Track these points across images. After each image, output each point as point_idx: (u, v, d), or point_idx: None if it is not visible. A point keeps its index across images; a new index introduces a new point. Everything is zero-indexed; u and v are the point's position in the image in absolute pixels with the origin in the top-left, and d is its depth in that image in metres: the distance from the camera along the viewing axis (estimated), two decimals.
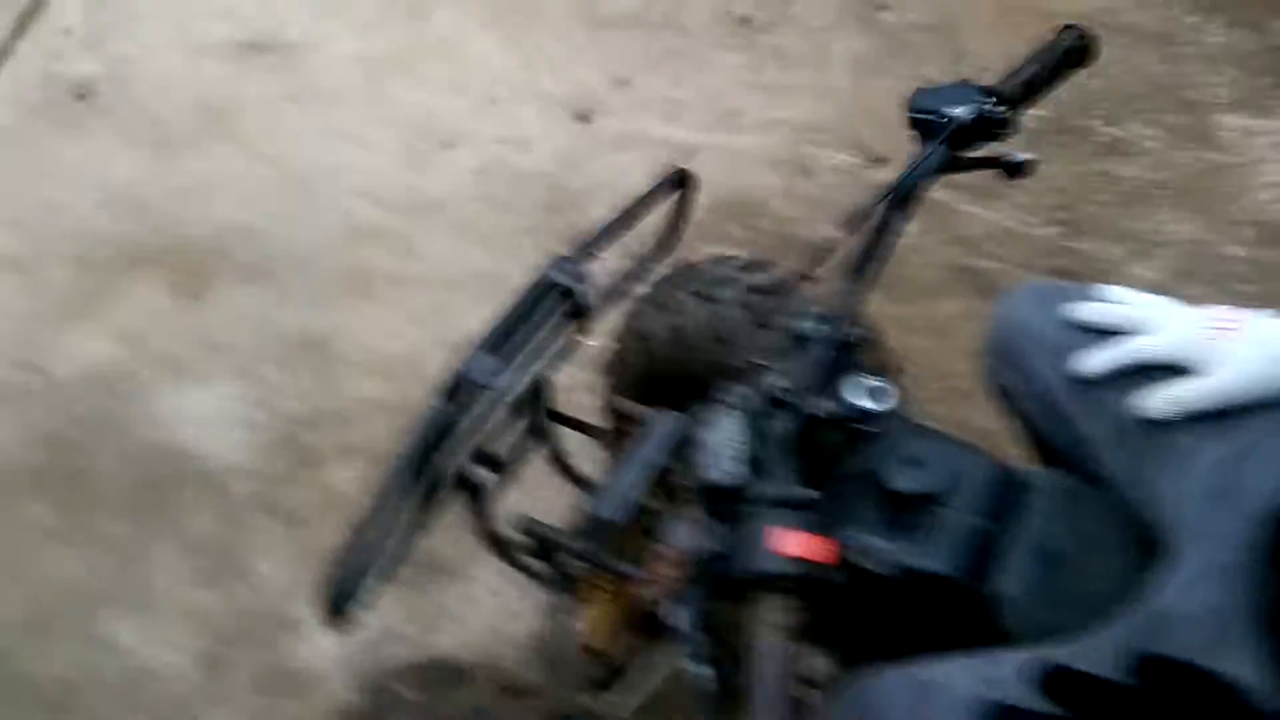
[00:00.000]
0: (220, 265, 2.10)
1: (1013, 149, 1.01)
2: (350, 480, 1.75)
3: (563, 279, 1.04)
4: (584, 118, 2.36)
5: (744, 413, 0.85)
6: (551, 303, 1.07)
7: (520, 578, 1.55)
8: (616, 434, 1.42)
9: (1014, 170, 0.95)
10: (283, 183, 2.26)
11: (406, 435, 0.96)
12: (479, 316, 1.91)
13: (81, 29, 2.60)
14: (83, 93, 2.44)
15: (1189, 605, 0.74)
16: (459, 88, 2.44)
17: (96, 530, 1.68)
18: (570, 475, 1.38)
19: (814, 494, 0.79)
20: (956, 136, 0.95)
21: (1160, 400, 0.85)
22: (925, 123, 0.97)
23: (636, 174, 0.99)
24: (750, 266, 1.40)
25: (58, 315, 2.00)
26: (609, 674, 1.21)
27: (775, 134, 2.27)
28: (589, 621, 1.23)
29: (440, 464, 1.05)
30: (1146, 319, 0.88)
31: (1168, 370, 0.86)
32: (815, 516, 0.77)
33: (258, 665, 1.53)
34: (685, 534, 0.85)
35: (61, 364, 1.92)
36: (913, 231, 2.03)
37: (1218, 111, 2.23)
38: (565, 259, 1.05)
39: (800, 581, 0.74)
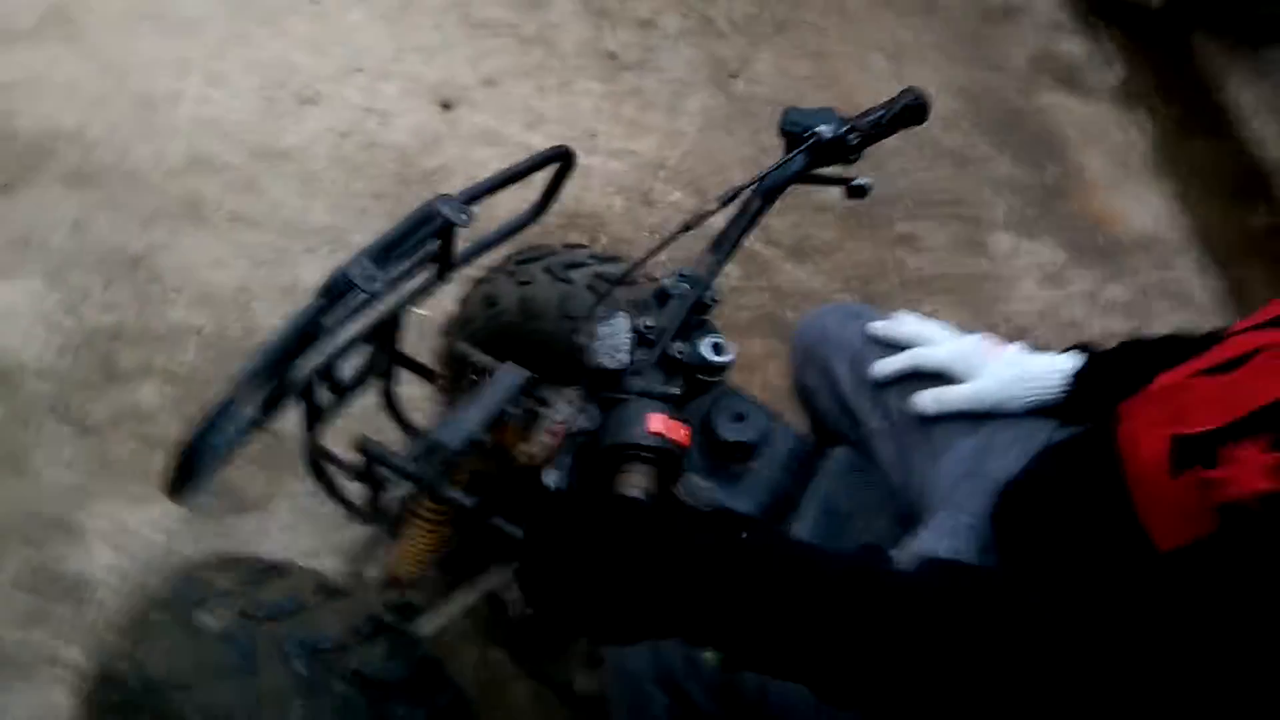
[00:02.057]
0: (42, 162, 2.01)
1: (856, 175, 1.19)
2: (151, 399, 1.71)
3: (449, 213, 1.11)
4: (446, 105, 2.44)
5: (630, 319, 0.96)
6: (426, 236, 1.13)
7: (318, 511, 1.59)
8: (453, 382, 1.50)
9: (856, 191, 1.12)
10: (123, 97, 2.19)
11: (277, 327, 1.00)
12: (313, 267, 1.96)
13: None
14: None
15: (936, 549, 0.92)
16: (324, 50, 2.46)
17: None
18: (398, 415, 1.44)
19: (677, 391, 0.92)
20: (816, 150, 1.12)
21: (929, 399, 1.05)
22: (793, 134, 1.13)
23: (490, 169, 1.09)
24: (600, 257, 1.53)
25: None
26: (410, 606, 1.25)
27: (624, 162, 2.44)
28: (399, 552, 1.28)
29: (300, 364, 1.09)
30: (929, 336, 1.09)
31: (938, 380, 1.06)
32: (675, 409, 0.89)
33: (30, 564, 1.46)
34: (566, 410, 0.95)
35: None
36: (735, 276, 2.28)
37: (993, 228, 2.60)
38: (448, 199, 1.12)
39: (660, 454, 0.86)
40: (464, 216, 1.12)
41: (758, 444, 1.04)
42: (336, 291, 1.06)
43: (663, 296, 1.05)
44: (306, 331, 1.05)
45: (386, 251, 1.08)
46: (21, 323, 1.74)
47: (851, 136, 1.09)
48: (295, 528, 1.63)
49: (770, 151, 1.20)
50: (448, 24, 2.63)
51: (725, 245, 1.11)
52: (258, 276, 1.95)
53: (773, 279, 2.29)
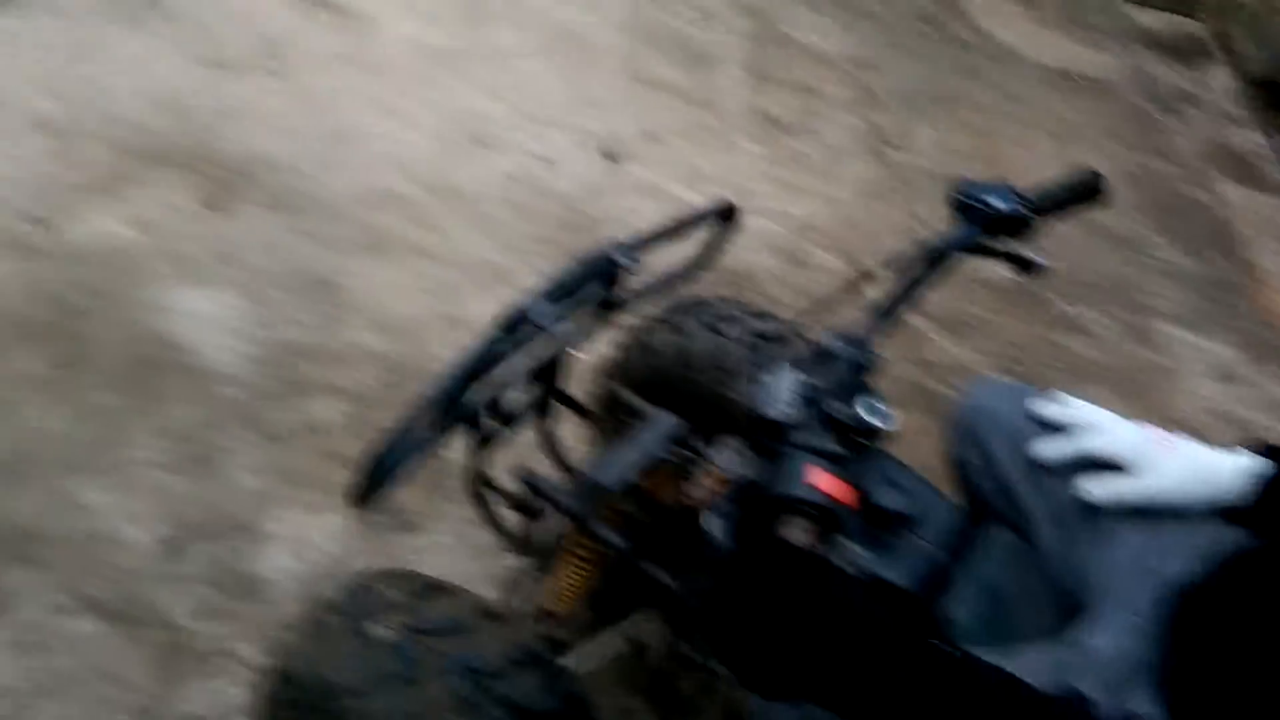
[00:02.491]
0: (246, 187, 2.19)
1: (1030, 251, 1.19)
2: (331, 415, 1.83)
3: (620, 258, 1.16)
4: (612, 157, 2.54)
5: (797, 372, 1.00)
6: (598, 284, 1.20)
7: (476, 537, 1.67)
8: (607, 424, 1.56)
9: (1028, 267, 1.13)
10: (321, 130, 2.37)
11: (459, 356, 1.07)
12: (479, 300, 2.07)
13: None
14: None
15: (1105, 648, 0.92)
16: (502, 97, 2.61)
17: (83, 395, 1.72)
18: (555, 451, 1.51)
19: (844, 451, 0.95)
20: (988, 222, 1.14)
21: (1102, 490, 1.04)
22: (966, 206, 1.15)
23: (648, 220, 1.15)
24: (757, 314, 1.57)
25: (81, 187, 2.05)
26: (561, 641, 1.30)
27: (778, 223, 2.49)
28: (552, 586, 1.33)
29: (476, 391, 1.16)
30: (1096, 422, 1.08)
31: (1105, 467, 1.05)
32: (839, 466, 0.92)
33: (214, 560, 1.58)
34: (730, 458, 0.99)
35: (76, 230, 1.97)
36: (883, 345, 2.27)
37: (1159, 318, 2.53)
38: (622, 245, 1.17)
39: (822, 511, 0.89)
40: (634, 262, 1.18)
41: (915, 515, 1.06)
42: (513, 326, 1.12)
43: (822, 355, 1.08)
44: (483, 362, 1.12)
45: (559, 290, 1.15)
46: (219, 331, 1.89)
47: (1026, 211, 1.11)
48: (454, 550, 1.71)
49: (926, 223, 1.23)
50: (618, 81, 2.76)
51: (887, 309, 1.14)
52: (430, 306, 2.07)
53: (924, 352, 2.29)
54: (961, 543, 1.09)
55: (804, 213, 2.54)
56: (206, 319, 1.90)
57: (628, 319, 1.40)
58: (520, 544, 1.42)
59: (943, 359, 2.29)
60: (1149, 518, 1.01)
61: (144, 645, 1.46)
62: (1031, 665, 0.91)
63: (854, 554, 1.05)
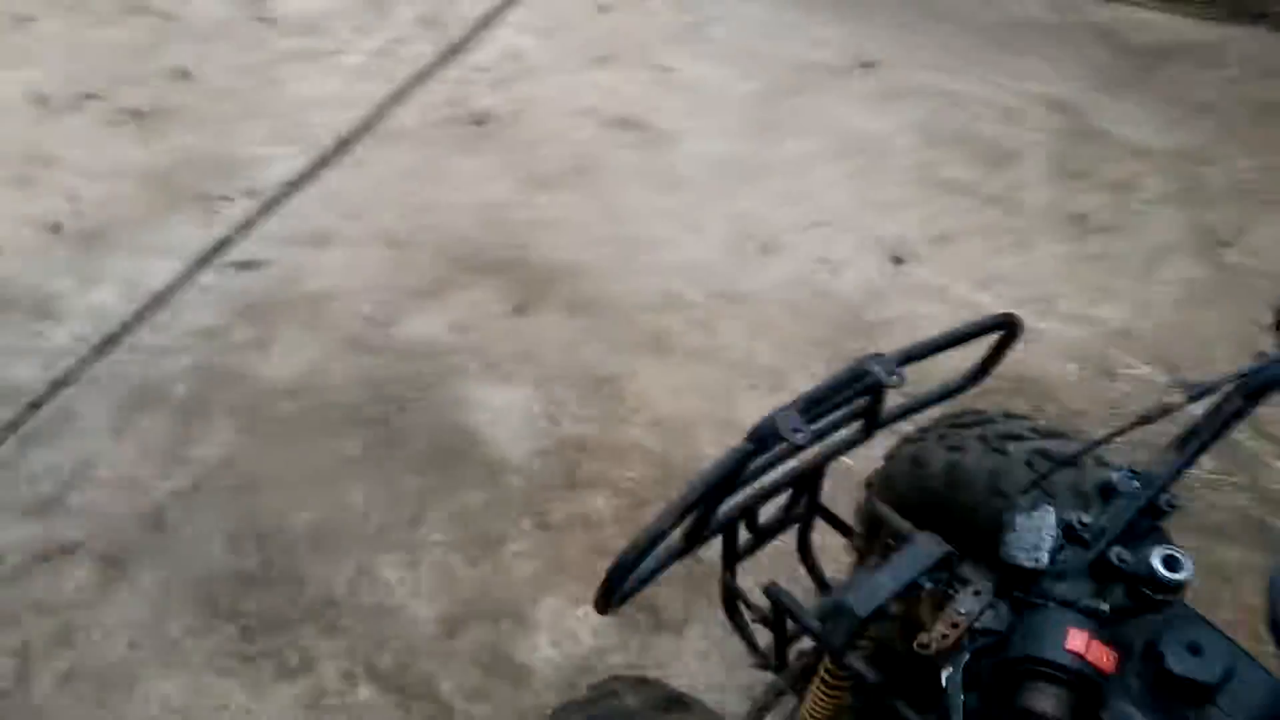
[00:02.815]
0: (547, 290, 2.37)
1: None
2: (601, 508, 1.90)
3: (879, 374, 1.11)
4: (898, 260, 2.48)
5: (1058, 513, 0.90)
6: (855, 394, 1.15)
7: (730, 645, 1.64)
8: (867, 542, 1.49)
9: None
10: (617, 239, 2.52)
11: (709, 468, 1.06)
12: (751, 403, 2.08)
13: (493, 71, 3.05)
14: (481, 121, 2.84)
15: None
16: (792, 204, 2.65)
17: (389, 477, 1.92)
18: (811, 566, 1.46)
19: (1105, 607, 0.83)
20: None
21: None
22: None
23: (933, 326, 1.08)
24: (1043, 431, 1.44)
25: (412, 292, 2.33)
26: None
27: (1083, 329, 2.29)
28: (804, 709, 1.27)
29: (725, 502, 1.15)
30: None
31: None
32: (1102, 629, 0.81)
33: (485, 642, 1.68)
34: (972, 603, 0.91)
35: (404, 330, 2.23)
36: (1208, 468, 2.01)
37: None
38: (881, 358, 1.12)
39: (1077, 678, 0.78)
40: (894, 378, 1.11)
41: (1217, 684, 0.90)
42: (762, 439, 1.11)
43: (1107, 492, 0.96)
44: (731, 474, 1.11)
45: (814, 405, 1.11)
46: (513, 424, 2.04)
47: None
48: (707, 656, 1.70)
49: (1265, 330, 1.07)
50: (910, 182, 2.71)
51: (1192, 445, 1.00)
52: (703, 408, 2.11)
53: (1259, 478, 1.99)
54: (1273, 717, 0.91)
55: (1114, 317, 2.32)
56: (502, 413, 2.07)
57: (902, 426, 1.35)
58: (770, 660, 1.38)
59: None
60: None
61: (415, 717, 1.57)
62: None
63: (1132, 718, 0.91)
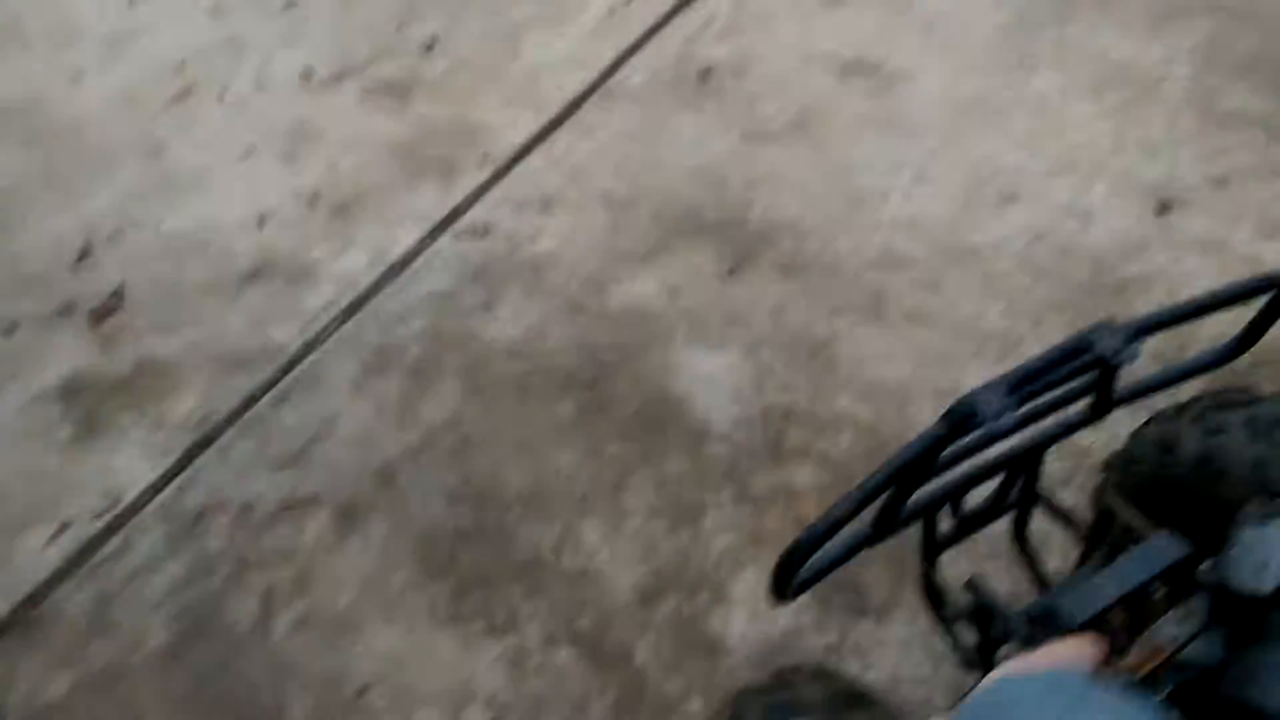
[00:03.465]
0: (762, 250, 2.30)
1: None
2: (805, 480, 1.84)
3: (1105, 350, 0.96)
4: (1163, 208, 2.19)
5: None
6: (1080, 369, 1.01)
7: (937, 640, 1.55)
8: (1095, 533, 1.34)
9: None
10: (839, 194, 2.40)
11: (900, 449, 0.98)
12: (976, 371, 1.92)
13: (722, 20, 2.97)
14: (706, 74, 2.79)
15: None
16: (1038, 147, 2.40)
17: (597, 441, 1.96)
18: (1028, 557, 1.33)
19: None
20: None
21: None
22: None
23: (1201, 284, 0.91)
24: None
25: (627, 255, 2.34)
26: None
27: None
28: None
29: (922, 498, 1.06)
30: None
31: None
32: None
33: (680, 612, 1.69)
34: (1177, 629, 0.80)
35: (617, 294, 2.25)
36: None
37: None
38: (1112, 329, 0.97)
39: None
40: (1125, 354, 0.96)
41: None
42: (958, 421, 1.01)
43: None
44: (920, 459, 1.02)
45: (1025, 382, 0.99)
46: (719, 391, 2.02)
47: None
48: (909, 645, 1.62)
49: None
50: (1184, 117, 2.37)
51: None
52: (921, 375, 1.98)
53: None
54: None
55: None
56: (709, 379, 2.05)
57: (1155, 400, 1.19)
58: (972, 658, 1.29)
59: None
60: None
61: (610, 684, 1.61)
62: None
63: None
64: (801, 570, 1.05)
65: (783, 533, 1.76)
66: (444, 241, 2.46)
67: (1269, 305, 1.02)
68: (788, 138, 2.58)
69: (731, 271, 2.28)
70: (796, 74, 2.74)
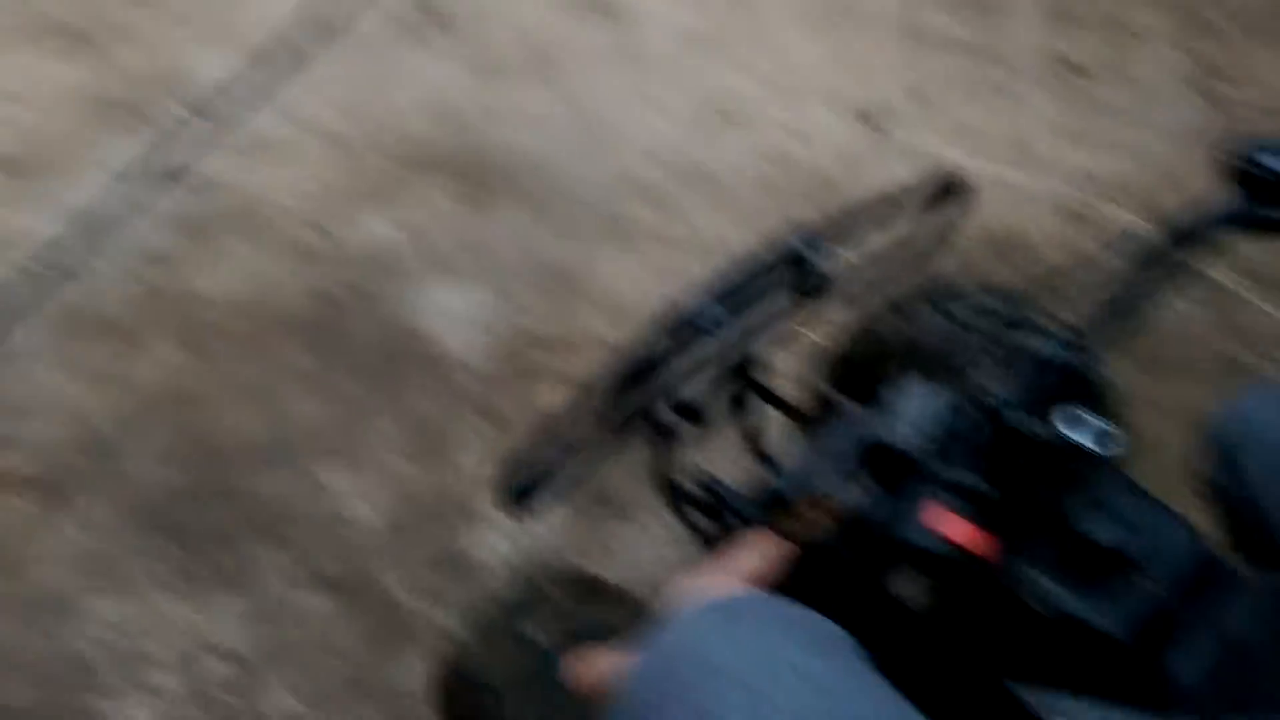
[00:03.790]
0: (503, 185, 2.26)
1: None
2: (556, 402, 1.84)
3: (805, 251, 1.02)
4: (872, 124, 2.33)
5: (938, 388, 0.82)
6: (787, 273, 1.06)
7: (683, 532, 1.59)
8: (812, 419, 1.41)
9: None
10: (578, 127, 2.39)
11: (617, 359, 0.99)
12: None
13: None
14: (438, 14, 2.69)
15: None
16: (758, 73, 2.49)
17: (336, 384, 1.87)
18: (759, 452, 1.39)
19: (985, 487, 0.75)
20: (1266, 190, 0.86)
21: None
22: (1243, 171, 0.89)
23: None
24: (1003, 298, 1.34)
25: (359, 194, 2.23)
26: None
27: (1070, 181, 2.15)
28: None
29: (639, 396, 1.08)
30: None
31: None
32: (982, 513, 0.73)
33: (436, 542, 1.64)
34: (844, 486, 0.84)
35: (349, 234, 2.14)
36: (1188, 310, 1.90)
37: None
38: (813, 232, 1.04)
39: (946, 565, 0.71)
40: (821, 256, 1.03)
41: (1137, 550, 0.82)
42: (674, 327, 1.03)
43: (1031, 360, 0.87)
44: (641, 368, 1.03)
45: (733, 289, 1.04)
46: (465, 325, 1.97)
47: None
48: (662, 541, 1.65)
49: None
50: (887, 39, 2.53)
51: (1124, 309, 0.90)
52: (667, 295, 2.01)
53: (1236, 319, 1.87)
54: (1204, 587, 0.83)
55: (1104, 168, 2.17)
56: (451, 312, 1.99)
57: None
58: (710, 542, 1.33)
59: (1262, 330, 1.85)
60: None
61: (364, 620, 1.55)
62: None
63: (1045, 590, 0.84)
64: (528, 483, 1.04)
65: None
66: (148, 193, 2.25)
67: (949, 204, 1.10)
68: (524, 73, 2.54)
69: (472, 205, 2.23)
70: (534, 15, 2.70)
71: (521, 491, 1.04)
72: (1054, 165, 2.17)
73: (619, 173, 2.28)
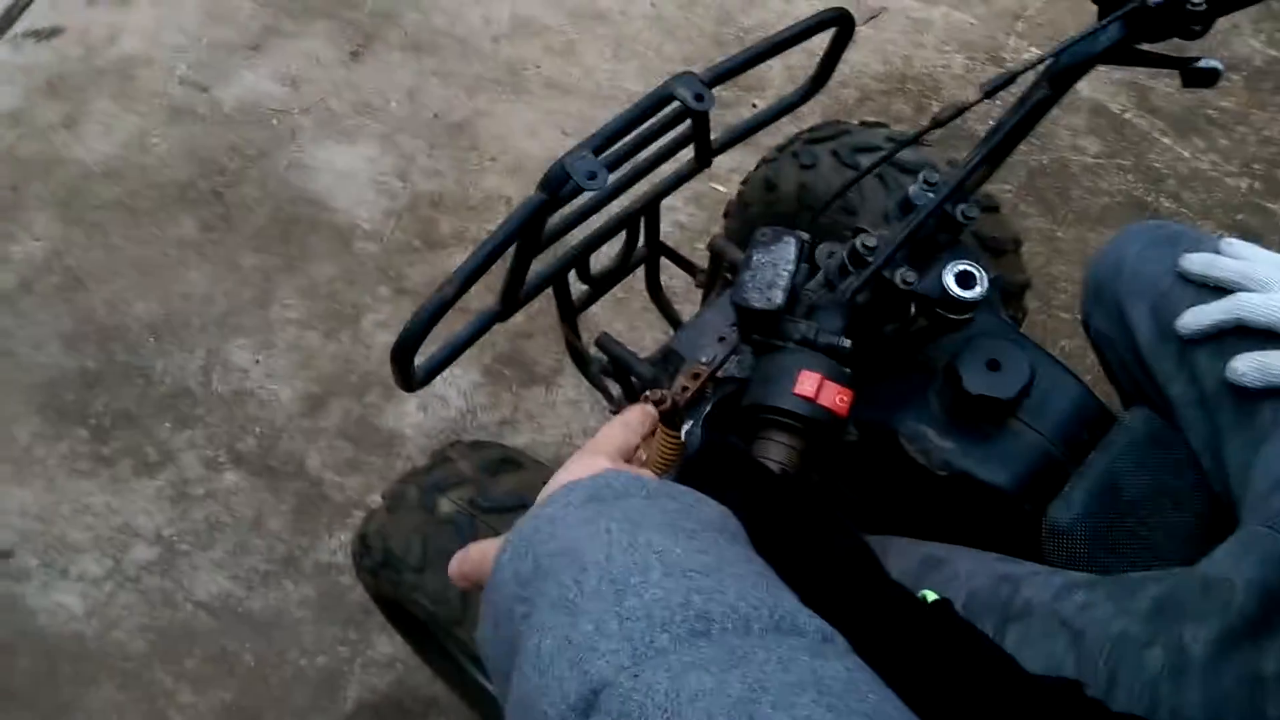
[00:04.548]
0: (386, 30, 2.13)
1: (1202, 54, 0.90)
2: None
3: (684, 96, 0.98)
4: None
5: (801, 246, 0.82)
6: (671, 121, 1.02)
7: (600, 395, 1.62)
8: (711, 277, 1.42)
9: (1196, 77, 0.84)
10: None
11: (501, 223, 0.96)
12: None
13: None
14: None
15: (1232, 578, 0.71)
16: None
17: (231, 256, 1.80)
18: (663, 308, 1.39)
19: (846, 343, 0.77)
20: (1139, 18, 0.85)
21: (1250, 366, 0.78)
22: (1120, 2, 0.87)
23: None
24: (900, 139, 1.33)
25: (232, 47, 2.08)
26: None
27: (971, 13, 2.12)
28: (648, 452, 1.25)
29: (529, 255, 1.05)
30: (1259, 278, 0.80)
31: (1274, 338, 0.79)
32: (840, 367, 0.75)
33: (351, 415, 1.63)
34: (711, 350, 0.86)
35: (227, 91, 2.01)
36: (1093, 151, 1.93)
37: None
38: (692, 76, 0.99)
39: (807, 424, 0.73)
40: (702, 101, 0.99)
41: (1015, 398, 0.86)
42: (554, 186, 0.99)
43: (907, 208, 0.88)
44: (526, 229, 1.00)
45: (611, 141, 0.99)
46: (357, 185, 1.90)
47: (1196, 3, 0.81)
48: (579, 405, 1.67)
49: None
50: None
51: (996, 146, 0.90)
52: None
53: (1145, 157, 1.91)
54: (1086, 432, 0.88)
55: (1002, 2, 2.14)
56: (344, 172, 1.91)
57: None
58: (622, 405, 1.35)
59: (1168, 165, 1.89)
60: None
61: (286, 497, 1.55)
62: (1118, 599, 0.73)
63: (932, 445, 0.88)
64: (433, 354, 1.02)
65: (446, 322, 1.73)
66: (3, 50, 2.07)
67: (834, 40, 1.07)
68: None
69: (355, 54, 2.10)
70: None
71: (430, 371, 1.03)
72: None
73: (511, 15, 2.16)
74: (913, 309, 0.89)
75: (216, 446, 1.60)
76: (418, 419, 1.64)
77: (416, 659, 1.34)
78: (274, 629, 1.44)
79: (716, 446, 0.68)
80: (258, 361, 1.69)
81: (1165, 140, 1.93)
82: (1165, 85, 1.98)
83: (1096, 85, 2.00)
